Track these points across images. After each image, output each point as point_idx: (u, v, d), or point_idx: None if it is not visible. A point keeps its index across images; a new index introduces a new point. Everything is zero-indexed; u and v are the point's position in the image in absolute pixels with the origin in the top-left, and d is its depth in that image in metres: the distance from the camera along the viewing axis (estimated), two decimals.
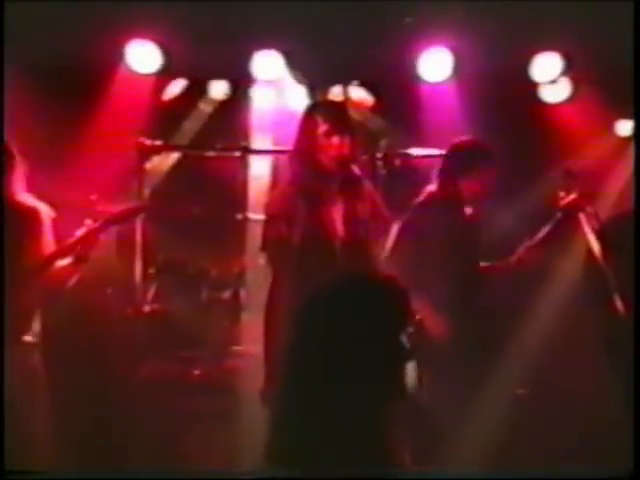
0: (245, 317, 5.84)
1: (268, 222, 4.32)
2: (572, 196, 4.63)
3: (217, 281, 5.95)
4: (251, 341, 5.47)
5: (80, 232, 4.52)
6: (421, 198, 4.70)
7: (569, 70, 5.88)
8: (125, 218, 4.70)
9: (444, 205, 4.68)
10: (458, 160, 4.82)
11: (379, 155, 5.80)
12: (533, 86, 6.06)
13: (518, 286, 5.08)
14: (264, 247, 4.36)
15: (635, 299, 4.25)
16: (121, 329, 5.77)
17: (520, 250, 4.94)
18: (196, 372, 5.71)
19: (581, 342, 5.17)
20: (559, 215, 4.77)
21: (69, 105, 5.79)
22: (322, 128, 4.34)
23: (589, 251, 4.45)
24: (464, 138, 4.90)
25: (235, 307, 5.90)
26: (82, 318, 5.65)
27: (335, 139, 4.32)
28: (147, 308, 5.87)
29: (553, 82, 6.00)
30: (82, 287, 4.73)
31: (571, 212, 4.59)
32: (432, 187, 4.79)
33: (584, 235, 4.47)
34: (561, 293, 5.39)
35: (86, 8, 5.56)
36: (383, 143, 5.87)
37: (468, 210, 4.79)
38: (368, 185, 4.51)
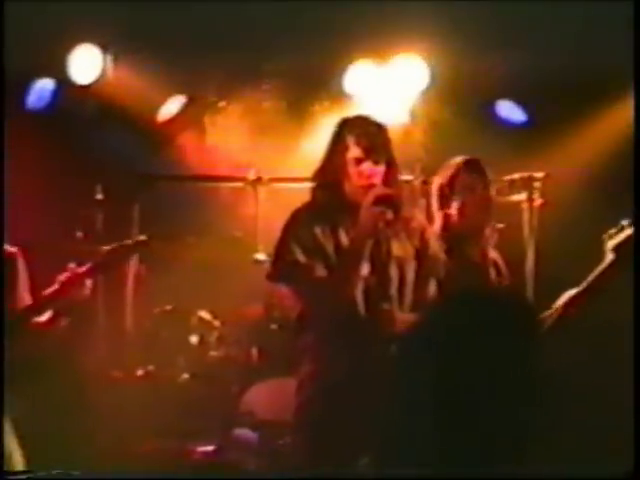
0: (258, 380, 5.19)
1: (281, 247, 3.75)
2: (627, 232, 3.99)
3: (225, 336, 5.34)
4: (266, 409, 4.97)
5: (61, 278, 4.04)
6: None
7: None
8: (117, 259, 4.23)
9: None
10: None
11: (417, 182, 5.12)
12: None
13: (562, 347, 4.29)
14: (275, 273, 3.78)
15: (635, 299, 3.98)
16: (107, 398, 5.16)
17: (562, 301, 4.21)
18: (200, 449, 5.02)
19: None
20: (611, 257, 4.06)
21: (49, 122, 5.57)
22: (352, 152, 3.72)
23: None
24: None
25: (246, 367, 5.28)
26: (58, 386, 5.08)
27: (366, 167, 3.70)
28: (140, 371, 5.23)
29: None
30: (59, 347, 4.38)
31: (625, 253, 3.97)
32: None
33: None
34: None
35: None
36: (419, 167, 5.22)
37: (469, 251, 4.22)
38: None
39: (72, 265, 4.05)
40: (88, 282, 4.06)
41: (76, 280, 4.03)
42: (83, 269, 4.04)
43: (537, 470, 1.80)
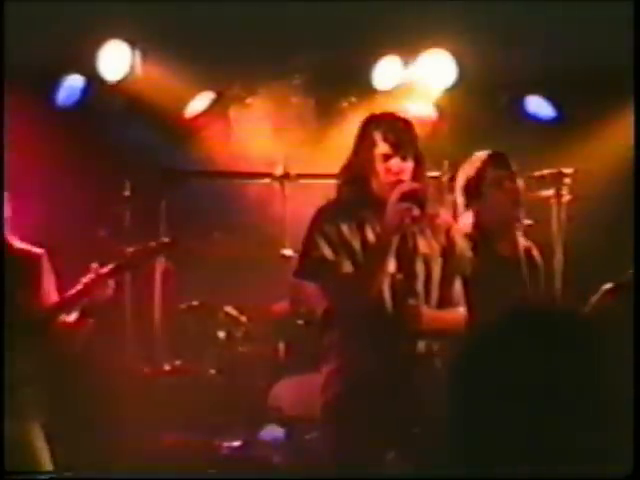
0: (285, 375, 5.13)
1: (307, 243, 3.69)
2: None
3: (252, 331, 5.29)
4: (293, 405, 4.93)
5: (86, 279, 4.01)
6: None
7: None
8: (142, 260, 4.22)
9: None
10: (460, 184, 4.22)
11: (444, 179, 5.11)
12: None
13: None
14: (302, 270, 3.71)
15: (635, 299, 3.93)
16: (136, 392, 5.12)
17: (597, 296, 4.18)
18: (225, 444, 4.95)
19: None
20: None
21: (78, 118, 5.56)
22: (380, 148, 3.65)
23: None
24: None
25: (273, 363, 5.21)
26: (87, 382, 5.13)
27: (394, 163, 3.63)
28: (167, 366, 5.20)
29: None
30: (88, 343, 4.25)
31: None
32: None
33: None
34: None
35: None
36: (447, 164, 5.19)
37: (499, 245, 4.19)
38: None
39: (96, 265, 4.02)
40: (111, 282, 4.04)
41: (99, 280, 4.00)
42: (107, 270, 4.01)
43: (537, 470, 1.76)
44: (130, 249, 4.12)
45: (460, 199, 4.21)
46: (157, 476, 4.43)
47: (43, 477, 3.85)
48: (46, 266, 4.14)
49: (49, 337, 4.05)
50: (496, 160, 4.17)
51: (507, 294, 3.95)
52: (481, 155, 4.20)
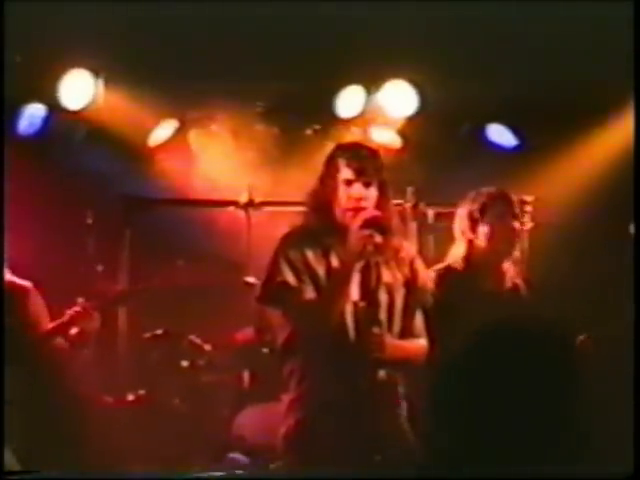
0: (250, 404, 5.06)
1: (271, 268, 3.68)
2: None
3: (216, 360, 5.28)
4: (257, 434, 4.82)
5: (71, 311, 4.27)
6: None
7: None
8: (128, 299, 4.68)
9: (460, 276, 4.15)
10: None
11: (408, 205, 5.09)
12: None
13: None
14: (264, 295, 3.71)
15: (635, 298, 3.97)
16: (98, 423, 5.09)
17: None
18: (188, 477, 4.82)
19: None
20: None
21: (40, 147, 5.58)
22: (343, 174, 3.67)
23: None
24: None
25: (238, 391, 5.15)
26: (51, 410, 4.97)
27: (355, 189, 3.62)
28: (131, 396, 5.15)
29: None
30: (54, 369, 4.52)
31: None
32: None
33: None
34: None
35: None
36: (410, 191, 5.15)
37: (485, 280, 4.21)
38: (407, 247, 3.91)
39: (81, 299, 4.23)
40: (97, 315, 4.17)
41: (85, 314, 4.24)
42: (96, 303, 4.24)
43: (537, 470, 1.76)
44: (121, 287, 4.20)
45: (459, 227, 4.24)
46: (154, 475, 4.40)
47: (42, 477, 3.83)
48: (34, 299, 4.30)
49: (36, 363, 4.22)
50: (502, 196, 4.23)
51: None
52: (488, 189, 4.25)
